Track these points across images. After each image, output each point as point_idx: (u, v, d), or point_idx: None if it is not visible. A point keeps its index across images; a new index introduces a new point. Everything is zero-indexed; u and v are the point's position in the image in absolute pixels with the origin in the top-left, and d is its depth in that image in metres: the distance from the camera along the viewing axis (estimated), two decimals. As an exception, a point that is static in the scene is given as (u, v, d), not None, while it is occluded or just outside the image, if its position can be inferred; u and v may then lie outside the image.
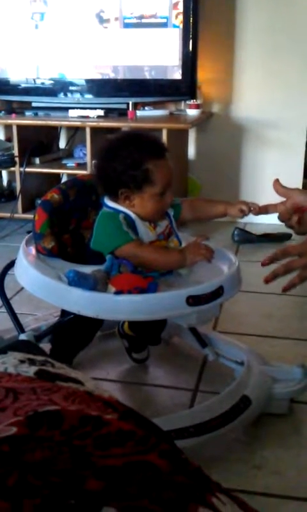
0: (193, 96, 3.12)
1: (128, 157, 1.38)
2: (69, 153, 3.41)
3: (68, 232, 1.56)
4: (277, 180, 1.31)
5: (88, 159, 3.05)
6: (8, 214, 3.18)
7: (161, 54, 3.06)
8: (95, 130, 3.01)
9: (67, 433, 0.57)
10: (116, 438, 0.58)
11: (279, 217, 1.32)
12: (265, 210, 1.42)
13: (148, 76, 3.11)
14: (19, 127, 3.09)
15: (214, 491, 0.53)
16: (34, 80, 3.26)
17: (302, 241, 1.21)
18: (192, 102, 3.17)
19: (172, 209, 1.48)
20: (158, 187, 1.39)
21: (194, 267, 1.42)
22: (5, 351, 0.82)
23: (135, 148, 1.39)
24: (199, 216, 1.58)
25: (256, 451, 1.44)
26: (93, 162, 1.49)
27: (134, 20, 3.06)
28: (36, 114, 3.23)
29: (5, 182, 3.62)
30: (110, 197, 1.44)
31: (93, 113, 3.09)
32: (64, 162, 3.24)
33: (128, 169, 1.38)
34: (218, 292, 1.36)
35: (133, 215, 1.41)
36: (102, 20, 3.09)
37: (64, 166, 3.21)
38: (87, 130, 3.00)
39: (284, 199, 1.32)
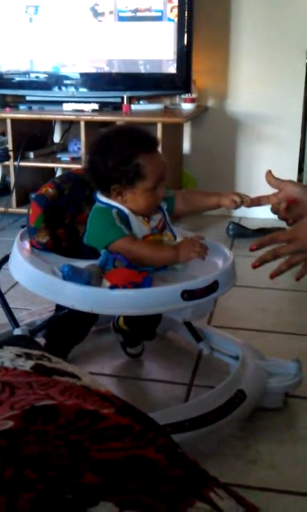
0: (188, 90, 3.11)
1: (119, 153, 1.37)
2: (63, 148, 3.40)
3: (62, 226, 1.56)
4: (269, 172, 1.30)
5: (83, 153, 3.04)
6: (2, 209, 3.16)
7: (156, 48, 3.05)
8: (90, 124, 3.00)
9: (63, 427, 0.57)
10: (113, 432, 0.58)
11: (272, 209, 1.31)
12: (257, 201, 1.41)
13: (142, 70, 3.10)
14: (13, 120, 3.08)
15: (212, 485, 0.53)
16: (28, 73, 3.25)
17: (291, 228, 1.21)
18: (187, 96, 3.16)
19: (165, 202, 1.47)
20: (150, 182, 1.39)
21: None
22: (1, 345, 0.81)
23: (125, 143, 1.38)
24: (192, 208, 1.58)
25: (251, 445, 1.45)
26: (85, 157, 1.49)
27: (129, 14, 3.04)
28: (30, 108, 3.22)
29: (-1, 176, 3.61)
30: (102, 192, 1.44)
31: (88, 107, 3.08)
32: (58, 156, 3.23)
33: (119, 165, 1.37)
34: (213, 287, 1.36)
35: (126, 210, 1.40)
36: (96, 14, 3.08)
37: (58, 160, 3.20)
38: (82, 124, 3.00)
39: (276, 190, 1.31)
